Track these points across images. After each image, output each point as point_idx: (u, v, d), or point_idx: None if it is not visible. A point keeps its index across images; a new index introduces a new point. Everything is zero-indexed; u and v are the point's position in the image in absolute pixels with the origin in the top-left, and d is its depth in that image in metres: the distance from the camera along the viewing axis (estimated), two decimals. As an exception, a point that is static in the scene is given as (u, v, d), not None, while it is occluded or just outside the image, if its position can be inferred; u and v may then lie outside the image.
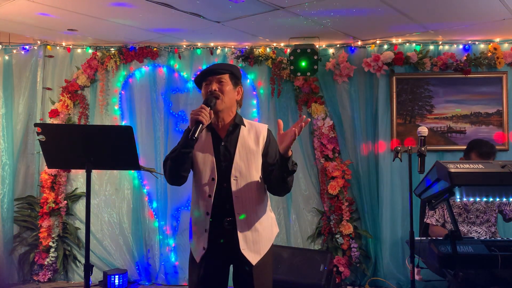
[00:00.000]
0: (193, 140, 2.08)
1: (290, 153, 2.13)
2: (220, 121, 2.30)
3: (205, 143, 2.30)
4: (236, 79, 2.33)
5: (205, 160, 2.26)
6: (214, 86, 2.24)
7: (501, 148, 4.42)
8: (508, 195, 2.64)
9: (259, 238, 2.27)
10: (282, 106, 4.79)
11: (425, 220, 3.33)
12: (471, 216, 3.24)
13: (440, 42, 4.57)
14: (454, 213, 3.24)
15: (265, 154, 2.30)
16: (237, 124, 2.31)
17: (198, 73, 2.34)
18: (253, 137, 2.30)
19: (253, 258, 2.24)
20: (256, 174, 2.27)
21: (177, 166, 2.20)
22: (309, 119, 2.12)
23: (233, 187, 2.22)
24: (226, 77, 2.27)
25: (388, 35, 4.49)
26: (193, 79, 4.86)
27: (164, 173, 2.30)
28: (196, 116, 2.08)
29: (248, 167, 2.25)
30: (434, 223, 3.28)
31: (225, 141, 2.28)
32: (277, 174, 2.19)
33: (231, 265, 2.34)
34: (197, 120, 2.08)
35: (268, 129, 2.37)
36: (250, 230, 2.25)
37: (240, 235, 2.22)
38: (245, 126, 2.32)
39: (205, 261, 2.27)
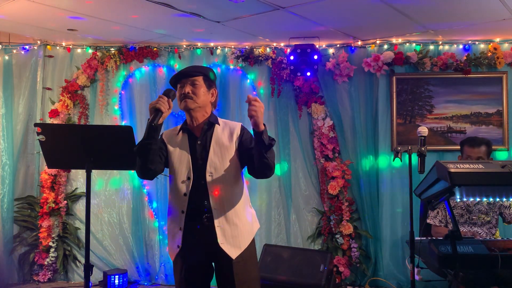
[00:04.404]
0: (153, 127, 2.12)
1: (262, 127, 2.11)
2: (195, 121, 2.35)
3: (181, 143, 2.35)
4: (210, 81, 2.37)
5: (181, 160, 2.32)
6: (188, 89, 2.28)
7: (501, 148, 4.43)
8: (508, 195, 2.64)
9: (237, 232, 2.31)
10: (282, 106, 4.79)
11: (427, 221, 3.33)
12: (473, 217, 3.24)
13: (440, 42, 4.57)
14: (457, 214, 3.23)
15: (240, 144, 2.33)
16: (211, 123, 2.36)
17: (172, 76, 2.38)
18: (227, 134, 2.35)
19: (233, 252, 2.27)
20: (230, 170, 2.31)
21: (142, 158, 2.21)
22: (250, 95, 2.12)
23: (208, 183, 2.26)
24: (200, 80, 2.32)
25: (388, 35, 4.49)
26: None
27: (136, 169, 2.31)
28: (154, 105, 2.12)
29: (222, 163, 2.30)
30: (438, 224, 3.27)
31: (200, 139, 2.33)
32: (257, 154, 2.20)
33: (213, 263, 2.36)
34: (156, 108, 2.12)
35: (242, 125, 2.41)
36: (228, 224, 2.28)
37: (217, 229, 2.25)
38: (219, 124, 2.37)
39: (185, 260, 2.30)
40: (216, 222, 2.25)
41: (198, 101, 2.30)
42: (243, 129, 2.40)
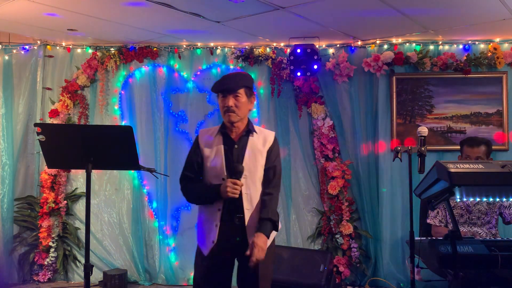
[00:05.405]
0: (219, 197, 2.39)
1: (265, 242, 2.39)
2: (235, 129, 2.50)
3: (217, 147, 2.49)
4: (251, 90, 2.51)
5: (217, 162, 2.45)
6: (231, 102, 2.42)
7: (501, 148, 4.43)
8: (508, 195, 2.64)
9: None
10: (282, 106, 4.79)
11: (427, 221, 3.33)
12: (473, 217, 3.24)
13: (440, 42, 4.56)
14: (456, 214, 3.23)
15: (268, 154, 2.50)
16: (249, 130, 2.52)
17: (216, 84, 2.47)
18: (261, 140, 2.52)
19: None
20: (261, 173, 2.48)
21: (196, 201, 2.54)
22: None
23: (243, 185, 2.39)
24: (241, 92, 2.45)
25: (388, 35, 4.49)
26: (193, 79, 4.87)
27: (184, 195, 2.54)
28: (234, 195, 2.33)
29: (255, 166, 2.46)
30: (438, 224, 3.27)
31: (238, 143, 2.49)
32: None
33: (236, 258, 2.51)
34: (233, 197, 2.34)
35: (275, 136, 2.58)
36: (256, 223, 2.42)
37: (248, 228, 2.41)
38: (256, 132, 2.53)
39: (212, 255, 2.42)
40: (246, 221, 2.40)
41: (240, 114, 2.45)
42: (275, 140, 2.56)
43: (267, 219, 2.39)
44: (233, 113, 2.43)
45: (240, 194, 2.38)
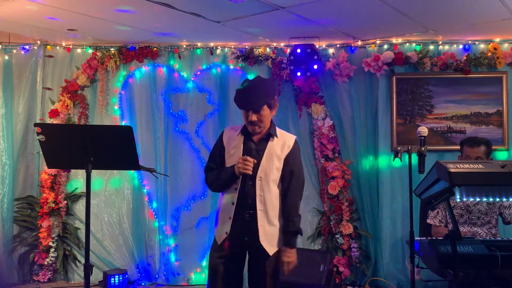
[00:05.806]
0: (236, 176, 2.48)
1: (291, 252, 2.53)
2: (257, 134, 2.58)
3: (238, 145, 2.57)
4: (274, 100, 2.56)
5: (235, 159, 2.52)
6: (254, 118, 2.48)
7: (501, 148, 4.43)
8: (508, 195, 2.64)
9: (275, 233, 2.53)
10: (282, 106, 4.79)
11: (427, 221, 3.33)
12: (473, 217, 3.24)
13: (440, 42, 4.56)
14: (456, 214, 3.23)
15: (286, 158, 2.55)
16: (270, 133, 2.59)
17: (239, 96, 2.51)
18: (280, 144, 2.58)
19: (270, 249, 2.51)
20: (277, 176, 2.54)
21: (218, 187, 2.61)
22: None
23: (257, 186, 2.50)
24: (265, 107, 2.50)
25: (388, 35, 4.49)
26: (193, 79, 4.87)
27: (207, 185, 2.66)
28: (245, 171, 2.41)
29: (270, 168, 2.52)
30: (438, 224, 3.27)
31: (257, 145, 2.56)
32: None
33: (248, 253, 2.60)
34: (245, 173, 2.41)
35: (296, 140, 2.64)
36: (268, 224, 2.51)
37: (260, 228, 2.48)
38: (277, 136, 2.59)
39: (225, 245, 2.53)
40: (259, 221, 2.48)
41: (263, 125, 2.54)
42: (295, 144, 2.61)
43: (289, 232, 2.52)
44: (256, 126, 2.51)
45: (254, 195, 2.47)
